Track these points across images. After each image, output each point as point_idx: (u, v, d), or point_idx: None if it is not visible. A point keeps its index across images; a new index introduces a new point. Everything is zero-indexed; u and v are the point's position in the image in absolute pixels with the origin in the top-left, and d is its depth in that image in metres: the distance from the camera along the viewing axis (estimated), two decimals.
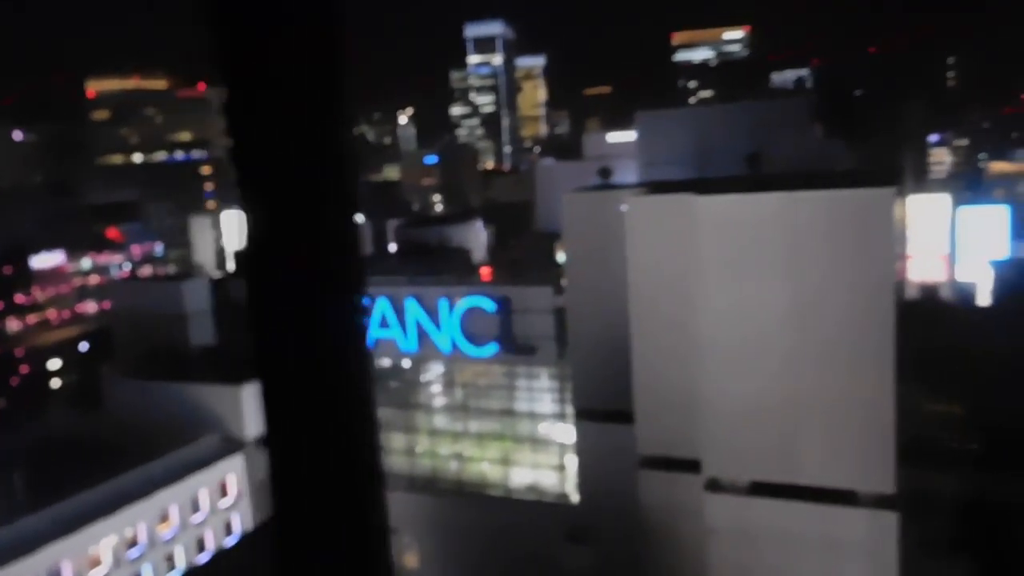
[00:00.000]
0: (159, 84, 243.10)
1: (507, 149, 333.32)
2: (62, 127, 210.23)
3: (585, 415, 44.26)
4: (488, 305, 48.23)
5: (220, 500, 52.49)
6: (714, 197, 33.80)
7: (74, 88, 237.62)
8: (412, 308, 50.10)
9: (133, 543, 46.57)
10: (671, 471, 37.64)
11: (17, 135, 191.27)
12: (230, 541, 51.32)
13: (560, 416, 48.94)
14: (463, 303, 48.89)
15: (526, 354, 48.18)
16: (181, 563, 49.05)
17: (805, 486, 34.66)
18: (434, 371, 53.90)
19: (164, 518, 48.68)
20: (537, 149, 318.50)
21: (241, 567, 40.96)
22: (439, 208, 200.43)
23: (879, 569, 33.59)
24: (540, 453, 50.56)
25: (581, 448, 45.26)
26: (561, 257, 79.95)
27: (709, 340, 34.87)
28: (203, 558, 49.19)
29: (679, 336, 36.12)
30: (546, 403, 49.79)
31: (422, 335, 50.20)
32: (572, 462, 48.30)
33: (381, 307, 50.81)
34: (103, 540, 44.77)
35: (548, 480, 50.21)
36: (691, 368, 35.79)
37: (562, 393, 48.36)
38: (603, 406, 43.01)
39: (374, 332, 51.62)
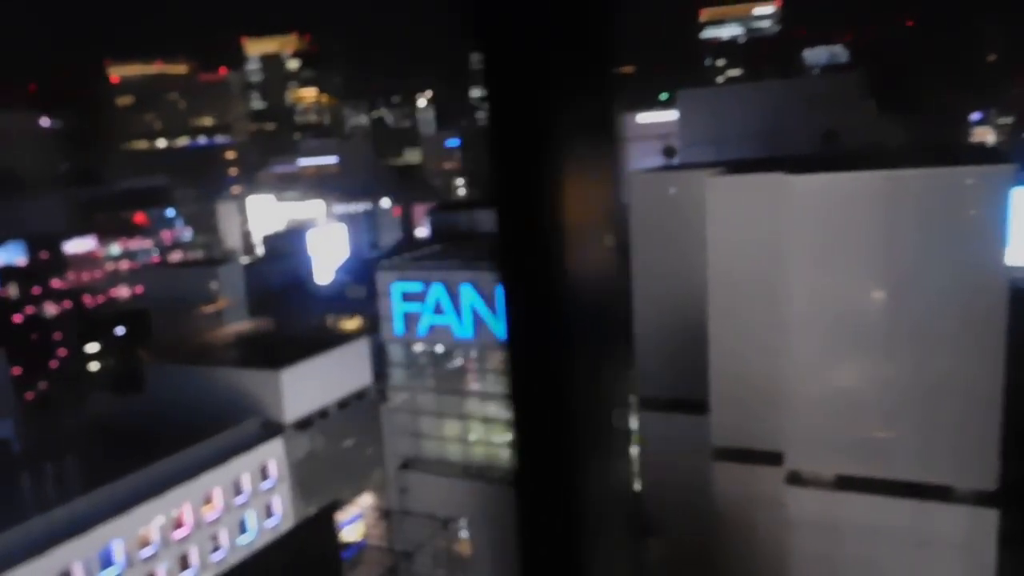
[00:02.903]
0: (181, 69, 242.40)
1: None
2: (87, 114, 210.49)
3: (649, 404, 42.62)
4: None
5: (261, 483, 52.45)
6: (808, 176, 31.79)
7: (97, 74, 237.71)
8: (468, 294, 48.61)
9: (179, 524, 46.73)
10: (748, 463, 36.01)
11: (44, 122, 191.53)
12: (270, 523, 51.35)
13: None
14: None
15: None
16: (224, 544, 49.27)
17: (895, 480, 32.88)
18: (489, 357, 52.54)
19: (208, 500, 48.73)
20: None
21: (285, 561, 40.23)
22: (462, 192, 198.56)
23: (975, 569, 31.85)
24: None
25: (644, 438, 43.72)
26: None
27: (797, 325, 33.03)
28: (244, 540, 49.18)
29: (762, 321, 34.33)
30: None
31: (478, 322, 48.75)
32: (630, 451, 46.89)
33: (436, 293, 49.39)
34: (152, 521, 44.77)
35: None
36: (774, 355, 34.00)
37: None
38: (669, 395, 41.39)
39: (429, 318, 50.27)
